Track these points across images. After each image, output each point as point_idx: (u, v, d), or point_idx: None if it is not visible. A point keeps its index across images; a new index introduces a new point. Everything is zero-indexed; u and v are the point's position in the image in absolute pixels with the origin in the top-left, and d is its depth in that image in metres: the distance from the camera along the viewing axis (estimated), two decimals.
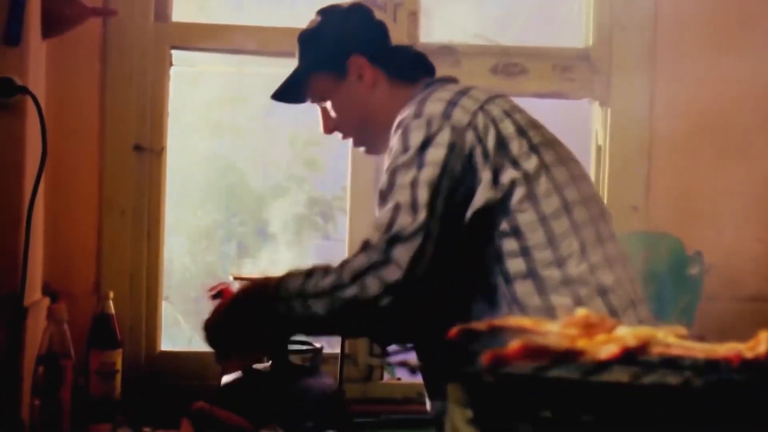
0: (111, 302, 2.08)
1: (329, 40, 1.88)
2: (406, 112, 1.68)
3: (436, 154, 1.61)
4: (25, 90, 2.00)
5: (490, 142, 1.62)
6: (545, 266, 1.61)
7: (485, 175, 1.62)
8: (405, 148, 1.63)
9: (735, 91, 2.48)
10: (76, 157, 2.39)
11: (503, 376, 0.86)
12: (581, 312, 0.97)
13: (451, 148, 1.61)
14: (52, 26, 2.16)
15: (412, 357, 1.80)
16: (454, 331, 1.02)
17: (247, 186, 3.10)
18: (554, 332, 0.95)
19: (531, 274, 1.61)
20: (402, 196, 1.59)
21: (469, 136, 1.62)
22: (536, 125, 1.72)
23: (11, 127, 2.02)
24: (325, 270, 1.60)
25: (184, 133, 2.93)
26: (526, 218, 1.62)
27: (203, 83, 3.04)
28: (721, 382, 0.84)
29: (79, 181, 2.39)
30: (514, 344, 0.87)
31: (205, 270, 3.23)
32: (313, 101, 1.92)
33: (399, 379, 2.55)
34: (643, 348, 0.90)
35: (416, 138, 1.63)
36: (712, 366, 0.88)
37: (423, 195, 1.58)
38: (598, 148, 2.55)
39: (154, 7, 2.43)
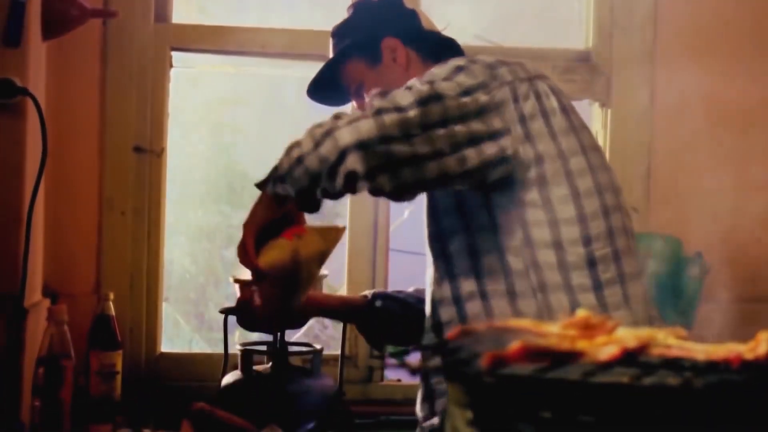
0: (111, 303, 2.08)
1: (362, 27, 1.90)
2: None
3: (465, 78, 1.56)
4: (25, 91, 2.00)
5: (528, 108, 1.60)
6: (571, 242, 1.60)
7: (517, 131, 1.57)
8: (441, 67, 1.60)
9: (734, 91, 2.48)
10: (76, 158, 2.39)
11: (503, 377, 0.86)
12: (581, 313, 0.97)
13: (483, 85, 1.57)
14: (52, 27, 2.16)
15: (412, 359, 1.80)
16: (454, 332, 1.02)
17: (248, 187, 3.10)
18: (554, 333, 0.96)
19: (555, 245, 1.60)
20: (413, 85, 1.54)
21: (505, 90, 1.59)
22: (575, 110, 1.71)
23: (12, 128, 2.02)
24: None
25: (184, 134, 2.93)
26: (558, 192, 1.60)
27: (203, 84, 3.04)
28: (721, 383, 0.84)
29: (79, 182, 2.39)
30: (514, 345, 0.87)
31: (206, 272, 3.24)
32: (350, 95, 1.93)
33: (399, 380, 2.56)
34: (643, 349, 0.90)
35: (454, 62, 1.61)
36: (712, 367, 0.88)
37: (430, 90, 1.51)
38: None
39: (154, 9, 2.43)
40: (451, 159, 1.49)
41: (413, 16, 1.94)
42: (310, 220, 1.71)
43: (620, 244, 1.63)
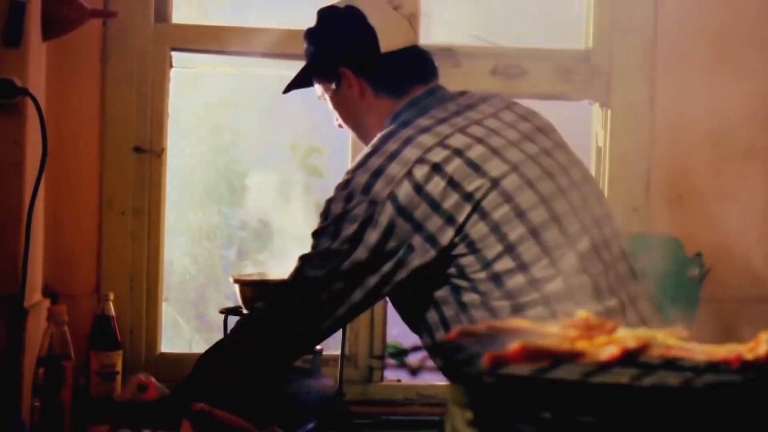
0: (111, 303, 2.08)
1: (322, 51, 1.91)
2: (344, 176, 1.74)
3: (349, 229, 1.68)
4: (25, 91, 2.00)
5: (436, 189, 1.65)
6: (496, 299, 1.65)
7: (416, 241, 1.66)
8: (326, 215, 1.73)
9: (734, 91, 2.48)
10: (76, 158, 2.39)
11: (503, 377, 0.86)
12: (581, 313, 0.97)
13: (366, 223, 1.67)
14: (52, 28, 2.16)
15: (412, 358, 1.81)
16: (453, 332, 1.02)
17: (248, 189, 3.10)
18: (554, 334, 0.95)
19: (484, 305, 1.65)
20: (312, 262, 1.72)
21: (388, 209, 1.66)
22: (539, 134, 1.76)
23: (12, 128, 2.02)
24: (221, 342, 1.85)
25: (184, 134, 2.93)
26: (469, 260, 1.65)
27: (203, 85, 3.04)
28: (721, 383, 0.84)
29: (79, 182, 2.39)
30: (514, 346, 0.87)
31: (206, 272, 3.24)
32: (319, 98, 1.97)
33: (399, 380, 2.55)
34: (643, 349, 0.90)
35: (335, 209, 1.71)
36: (712, 367, 0.88)
37: (330, 265, 1.69)
38: (598, 150, 2.55)
39: (154, 9, 2.43)
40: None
41: (370, 36, 1.85)
42: None
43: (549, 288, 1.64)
